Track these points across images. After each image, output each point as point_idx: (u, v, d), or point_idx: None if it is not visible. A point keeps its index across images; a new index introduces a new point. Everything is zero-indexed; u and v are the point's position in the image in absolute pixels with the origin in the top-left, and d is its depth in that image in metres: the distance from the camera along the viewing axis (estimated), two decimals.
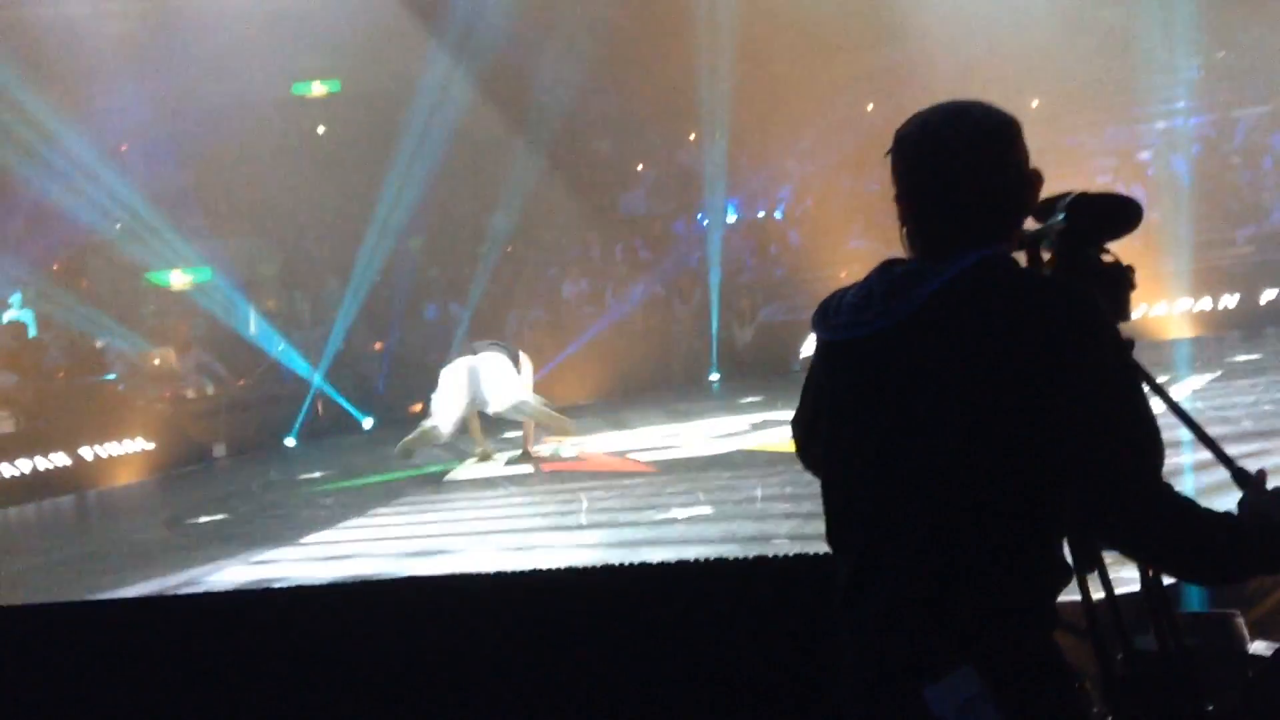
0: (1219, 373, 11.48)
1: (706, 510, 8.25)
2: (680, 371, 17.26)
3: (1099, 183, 16.86)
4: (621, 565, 5.19)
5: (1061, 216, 2.39)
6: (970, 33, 18.10)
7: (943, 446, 2.17)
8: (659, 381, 16.69)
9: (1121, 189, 16.58)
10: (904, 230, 2.35)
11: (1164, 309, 14.84)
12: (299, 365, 16.99)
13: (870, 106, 19.56)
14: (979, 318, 2.17)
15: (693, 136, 21.47)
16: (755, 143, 20.06)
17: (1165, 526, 2.13)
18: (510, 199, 20.35)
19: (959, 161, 2.28)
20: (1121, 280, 2.42)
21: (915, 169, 2.32)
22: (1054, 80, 19.52)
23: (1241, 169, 17.08)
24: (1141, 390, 2.19)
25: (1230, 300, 14.84)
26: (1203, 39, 18.58)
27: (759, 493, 8.62)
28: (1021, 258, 2.49)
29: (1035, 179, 2.34)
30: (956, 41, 18.07)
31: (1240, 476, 2.26)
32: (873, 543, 2.25)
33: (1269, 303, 14.68)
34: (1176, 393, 10.58)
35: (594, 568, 5.26)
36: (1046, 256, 2.52)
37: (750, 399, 13.94)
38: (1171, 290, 14.86)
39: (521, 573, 5.49)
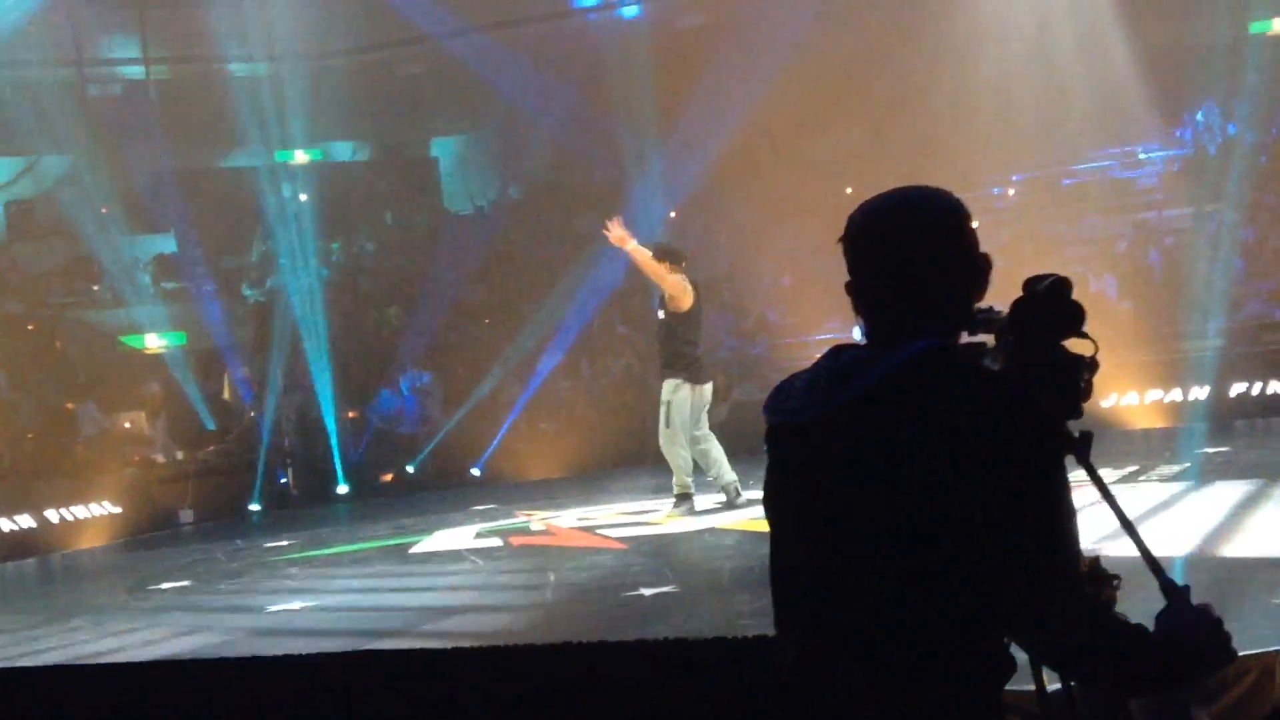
0: (1187, 465, 11.53)
1: (673, 588, 8.22)
2: (655, 447, 17.23)
3: (1075, 271, 16.98)
4: (583, 643, 5.17)
5: (1005, 314, 2.39)
6: (949, 117, 18.31)
7: (877, 535, 2.18)
8: (633, 457, 16.65)
9: (1094, 280, 16.75)
10: (857, 316, 2.38)
11: (1134, 399, 14.91)
12: (270, 431, 16.94)
13: (849, 190, 19.73)
14: (914, 409, 2.18)
15: (673, 214, 21.60)
16: (735, 220, 20.22)
17: (1072, 635, 2.13)
18: (489, 270, 20.46)
19: (904, 250, 2.31)
20: (1069, 379, 2.40)
21: (863, 257, 2.36)
22: (1031, 168, 19.75)
23: (1214, 262, 17.24)
24: (1065, 496, 2.18)
25: (1200, 392, 14.92)
26: (1178, 134, 18.88)
27: (726, 572, 8.60)
28: (991, 340, 2.50)
29: (984, 265, 2.36)
30: (935, 125, 18.28)
31: (1167, 587, 2.24)
32: (817, 630, 2.25)
33: (1238, 396, 14.75)
34: (1143, 483, 10.62)
35: (556, 645, 5.24)
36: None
37: None
38: (1142, 380, 14.93)
39: (483, 649, 5.46)
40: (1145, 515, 9.02)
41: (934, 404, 2.17)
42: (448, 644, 6.96)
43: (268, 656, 6.20)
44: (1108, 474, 10.95)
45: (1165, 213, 19.01)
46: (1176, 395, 14.96)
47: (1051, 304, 2.36)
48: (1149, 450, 12.46)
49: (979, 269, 2.36)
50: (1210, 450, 12.32)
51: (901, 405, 2.19)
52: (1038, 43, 18.87)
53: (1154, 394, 14.93)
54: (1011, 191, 19.82)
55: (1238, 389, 14.78)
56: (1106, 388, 14.69)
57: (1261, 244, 17.19)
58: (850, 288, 2.39)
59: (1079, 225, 19.14)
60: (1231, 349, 15.29)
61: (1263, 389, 14.64)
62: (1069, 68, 18.58)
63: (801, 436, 2.31)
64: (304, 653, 6.53)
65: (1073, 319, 2.35)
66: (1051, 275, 2.44)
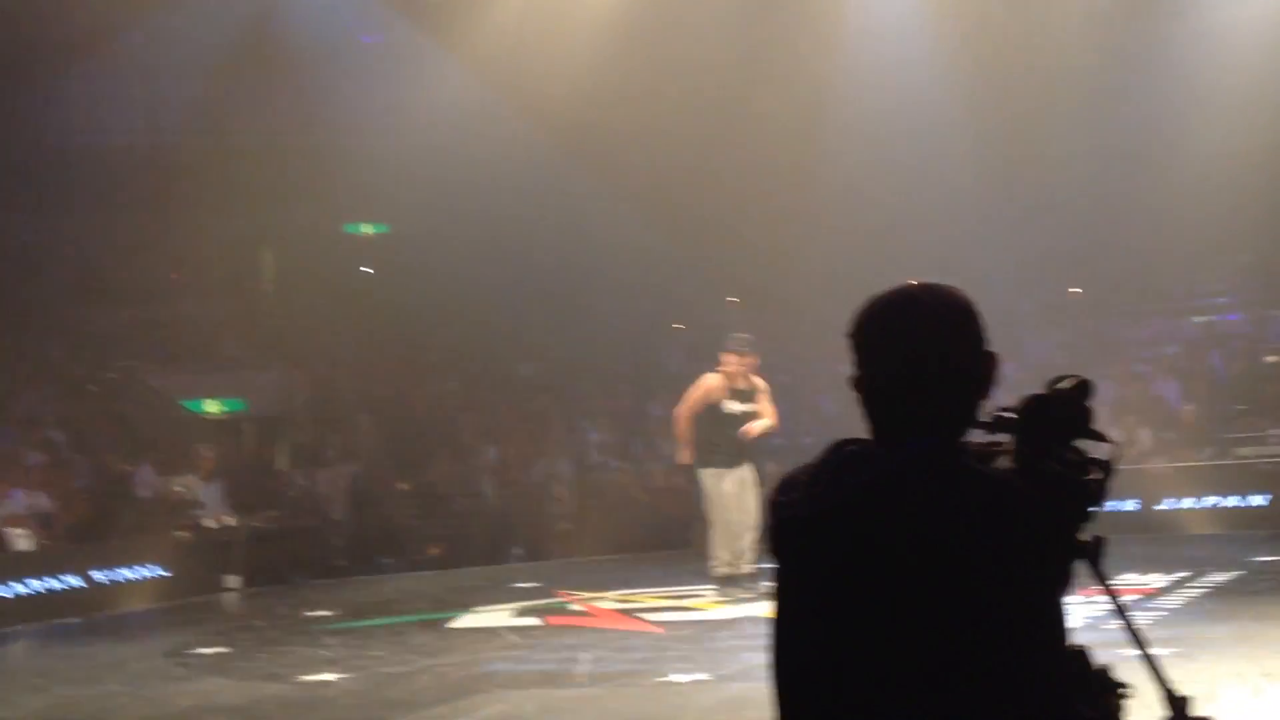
0: (1242, 572, 11.32)
1: (705, 676, 8.13)
2: (702, 531, 17.12)
3: (1138, 372, 16.81)
4: None
5: (1015, 415, 2.33)
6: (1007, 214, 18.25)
7: (878, 632, 2.15)
8: (679, 540, 16.55)
9: (1155, 382, 16.57)
10: (862, 411, 2.35)
11: (1192, 503, 14.68)
12: (322, 500, 17.02)
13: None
14: (909, 508, 2.15)
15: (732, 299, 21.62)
16: (781, 306, 20.28)
17: None
18: (544, 348, 20.55)
19: (909, 348, 2.28)
20: (1079, 482, 2.31)
21: (868, 353, 2.32)
22: (1096, 268, 19.60)
23: (1276, 367, 17.02)
24: (1053, 602, 2.14)
25: (1260, 499, 14.66)
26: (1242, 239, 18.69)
27: (759, 660, 8.49)
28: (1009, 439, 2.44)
29: (991, 364, 2.32)
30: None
31: (1170, 698, 2.18)
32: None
33: None
34: (1190, 589, 10.44)
35: None
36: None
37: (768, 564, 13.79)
38: (1200, 485, 14.73)
39: None
40: (1181, 622, 8.90)
41: (928, 503, 2.14)
42: None
43: None
44: (1159, 578, 10.81)
45: (1229, 316, 18.81)
46: (1235, 501, 14.71)
47: (1060, 404, 2.31)
48: (1203, 556, 12.22)
49: (985, 369, 2.32)
50: (1266, 559, 12.08)
51: (898, 503, 2.16)
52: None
53: (1211, 499, 14.70)
54: (1074, 289, 19.68)
55: None
56: (1164, 491, 14.51)
57: None
58: (854, 383, 2.36)
59: (1140, 327, 18.95)
60: None
61: None
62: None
63: (805, 531, 2.28)
64: None
65: (1080, 421, 2.29)
66: (1073, 376, 2.39)
